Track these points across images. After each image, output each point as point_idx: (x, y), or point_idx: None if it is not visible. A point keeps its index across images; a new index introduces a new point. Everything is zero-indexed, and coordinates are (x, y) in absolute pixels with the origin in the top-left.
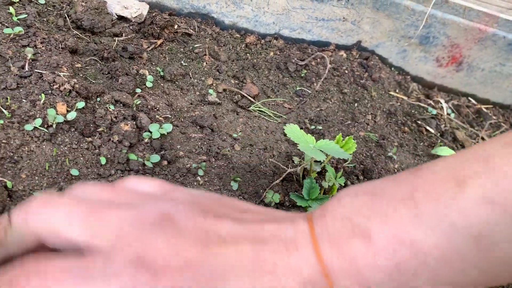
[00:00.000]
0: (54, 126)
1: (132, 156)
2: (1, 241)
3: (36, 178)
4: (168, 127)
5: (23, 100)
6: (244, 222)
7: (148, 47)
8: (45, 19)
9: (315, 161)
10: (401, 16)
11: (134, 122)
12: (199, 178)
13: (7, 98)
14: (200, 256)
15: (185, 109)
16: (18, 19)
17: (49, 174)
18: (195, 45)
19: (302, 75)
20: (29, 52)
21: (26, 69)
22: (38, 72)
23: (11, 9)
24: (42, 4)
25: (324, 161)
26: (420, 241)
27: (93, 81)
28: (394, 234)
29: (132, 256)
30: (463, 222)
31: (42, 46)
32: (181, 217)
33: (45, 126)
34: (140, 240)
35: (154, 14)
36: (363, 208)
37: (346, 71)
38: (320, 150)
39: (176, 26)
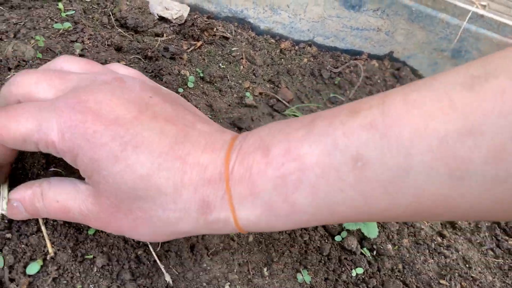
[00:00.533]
0: None
1: None
2: None
3: None
4: None
5: None
6: (182, 113)
7: (188, 48)
8: (90, 16)
9: None
10: (435, 29)
11: None
12: None
13: None
14: (130, 120)
15: (224, 110)
16: (66, 15)
17: None
18: (233, 49)
19: (336, 82)
20: (77, 47)
21: None
22: None
23: (60, 5)
24: (87, 1)
25: None
26: (305, 156)
27: None
28: (287, 148)
29: (74, 101)
30: (344, 142)
31: (89, 42)
32: (131, 84)
33: None
34: (86, 90)
35: (195, 17)
36: (275, 131)
37: (379, 81)
38: None
39: (215, 29)
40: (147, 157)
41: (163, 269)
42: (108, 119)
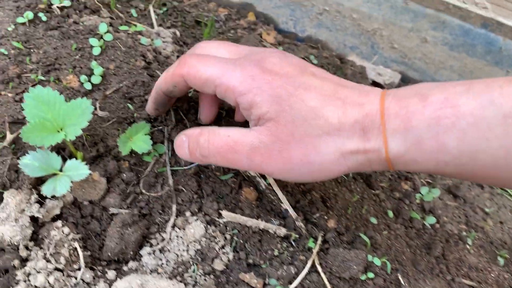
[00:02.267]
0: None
1: (414, 214)
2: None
3: (342, 219)
4: (436, 192)
5: None
6: (335, 76)
7: None
8: None
9: None
10: None
11: (410, 182)
12: (467, 246)
13: None
14: (296, 74)
15: (439, 176)
16: None
17: (350, 217)
18: None
19: None
20: None
21: None
22: None
23: None
24: (315, 64)
25: None
26: (461, 105)
27: None
28: (445, 97)
29: (254, 60)
30: (500, 101)
31: None
32: (291, 56)
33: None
34: (260, 55)
35: (407, 84)
36: (431, 85)
37: None
38: None
39: None
40: (315, 95)
41: None
42: (280, 73)
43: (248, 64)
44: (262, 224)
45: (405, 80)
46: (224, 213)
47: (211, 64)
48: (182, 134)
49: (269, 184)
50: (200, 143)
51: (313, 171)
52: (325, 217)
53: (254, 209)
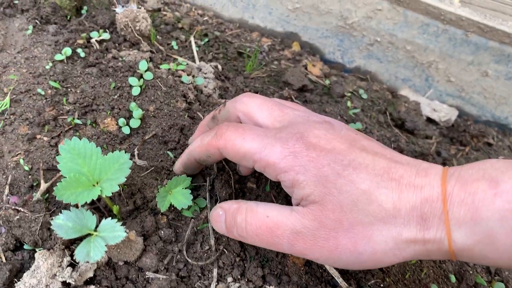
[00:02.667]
0: None
1: (479, 279)
2: (216, 115)
3: (400, 286)
4: None
5: None
6: (388, 149)
7: (456, 153)
8: (368, 114)
9: None
10: None
11: None
12: None
13: None
14: (344, 149)
15: None
16: (352, 113)
17: (408, 283)
18: (499, 156)
19: None
20: None
21: None
22: None
23: (349, 103)
24: (364, 98)
25: None
26: None
27: None
28: None
29: (296, 133)
30: None
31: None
32: (338, 125)
33: None
34: (304, 126)
35: (468, 123)
36: (501, 166)
37: None
38: None
39: (485, 137)
40: (366, 176)
41: None
42: (327, 148)
43: (290, 138)
44: None
45: (461, 115)
46: None
47: (250, 138)
48: (219, 207)
49: None
50: (237, 222)
51: (363, 261)
52: (381, 285)
53: (302, 276)
